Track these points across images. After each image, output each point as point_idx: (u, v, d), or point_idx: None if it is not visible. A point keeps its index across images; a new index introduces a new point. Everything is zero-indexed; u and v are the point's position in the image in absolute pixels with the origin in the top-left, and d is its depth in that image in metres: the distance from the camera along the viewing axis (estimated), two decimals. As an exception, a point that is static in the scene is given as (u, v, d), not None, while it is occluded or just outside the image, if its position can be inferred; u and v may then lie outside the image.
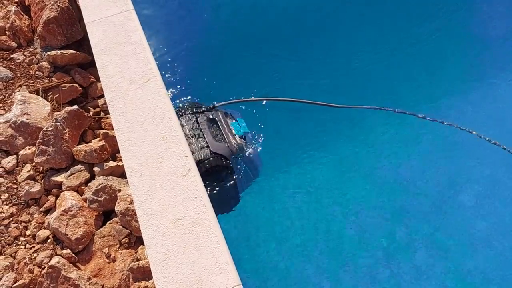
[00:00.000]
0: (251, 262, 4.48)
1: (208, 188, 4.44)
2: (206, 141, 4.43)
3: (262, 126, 5.12)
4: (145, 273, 3.06)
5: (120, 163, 3.72)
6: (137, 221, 3.15)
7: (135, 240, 3.37)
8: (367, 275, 4.54)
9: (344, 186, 4.99)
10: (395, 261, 4.60)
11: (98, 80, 4.15)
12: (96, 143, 3.75)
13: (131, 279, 3.11)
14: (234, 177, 4.61)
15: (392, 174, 5.04)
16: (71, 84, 4.20)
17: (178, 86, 5.44)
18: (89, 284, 3.11)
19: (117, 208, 3.36)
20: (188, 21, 6.45)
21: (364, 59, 5.87)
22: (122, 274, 3.22)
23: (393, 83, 5.79)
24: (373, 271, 4.56)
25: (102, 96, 4.18)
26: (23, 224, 3.42)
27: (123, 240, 3.36)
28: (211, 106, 4.92)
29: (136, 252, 3.31)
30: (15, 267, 3.21)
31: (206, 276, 2.62)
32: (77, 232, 3.29)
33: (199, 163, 4.27)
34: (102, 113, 4.17)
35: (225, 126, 4.64)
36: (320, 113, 5.34)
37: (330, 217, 4.78)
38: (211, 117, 4.73)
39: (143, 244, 2.93)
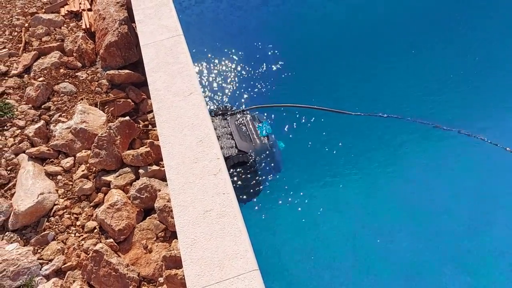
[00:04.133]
0: (278, 271, 4.67)
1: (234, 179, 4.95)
2: (233, 140, 5.00)
3: (293, 141, 5.45)
4: (176, 262, 3.37)
5: (162, 168, 4.12)
6: (173, 218, 3.49)
7: (170, 235, 3.72)
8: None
9: (376, 207, 5.11)
10: (424, 282, 4.64)
11: (149, 97, 4.65)
12: (142, 149, 4.19)
13: (163, 267, 3.42)
14: (257, 171, 5.00)
15: (423, 196, 5.12)
16: (125, 100, 4.73)
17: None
18: (127, 270, 3.46)
19: (156, 205, 3.74)
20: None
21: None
22: (157, 264, 3.55)
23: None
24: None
25: (152, 111, 4.67)
26: (75, 215, 3.86)
27: (160, 234, 3.72)
28: (240, 109, 5.51)
29: (170, 245, 3.64)
30: (65, 251, 3.63)
31: (228, 261, 2.89)
32: (120, 224, 3.68)
33: (226, 158, 4.79)
34: (150, 126, 4.64)
35: (251, 127, 5.16)
36: (354, 132, 5.59)
37: (359, 236, 4.91)
38: (239, 119, 5.30)
39: (177, 238, 3.25)
